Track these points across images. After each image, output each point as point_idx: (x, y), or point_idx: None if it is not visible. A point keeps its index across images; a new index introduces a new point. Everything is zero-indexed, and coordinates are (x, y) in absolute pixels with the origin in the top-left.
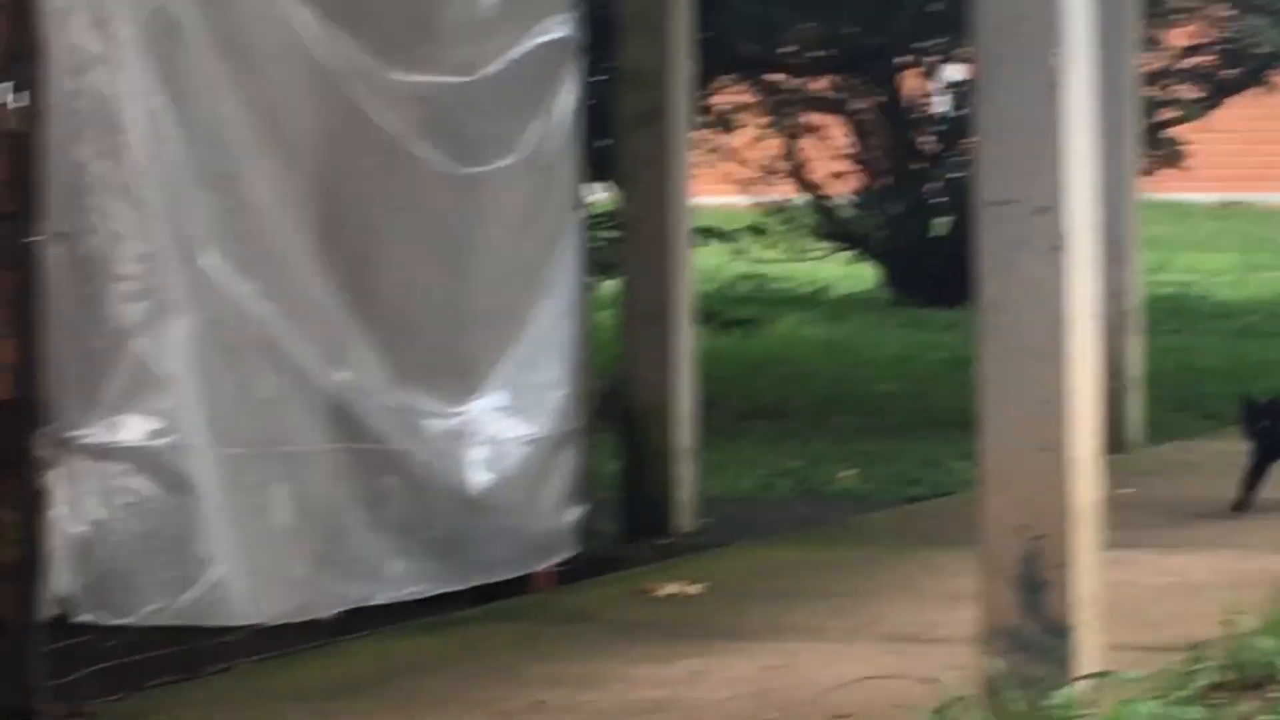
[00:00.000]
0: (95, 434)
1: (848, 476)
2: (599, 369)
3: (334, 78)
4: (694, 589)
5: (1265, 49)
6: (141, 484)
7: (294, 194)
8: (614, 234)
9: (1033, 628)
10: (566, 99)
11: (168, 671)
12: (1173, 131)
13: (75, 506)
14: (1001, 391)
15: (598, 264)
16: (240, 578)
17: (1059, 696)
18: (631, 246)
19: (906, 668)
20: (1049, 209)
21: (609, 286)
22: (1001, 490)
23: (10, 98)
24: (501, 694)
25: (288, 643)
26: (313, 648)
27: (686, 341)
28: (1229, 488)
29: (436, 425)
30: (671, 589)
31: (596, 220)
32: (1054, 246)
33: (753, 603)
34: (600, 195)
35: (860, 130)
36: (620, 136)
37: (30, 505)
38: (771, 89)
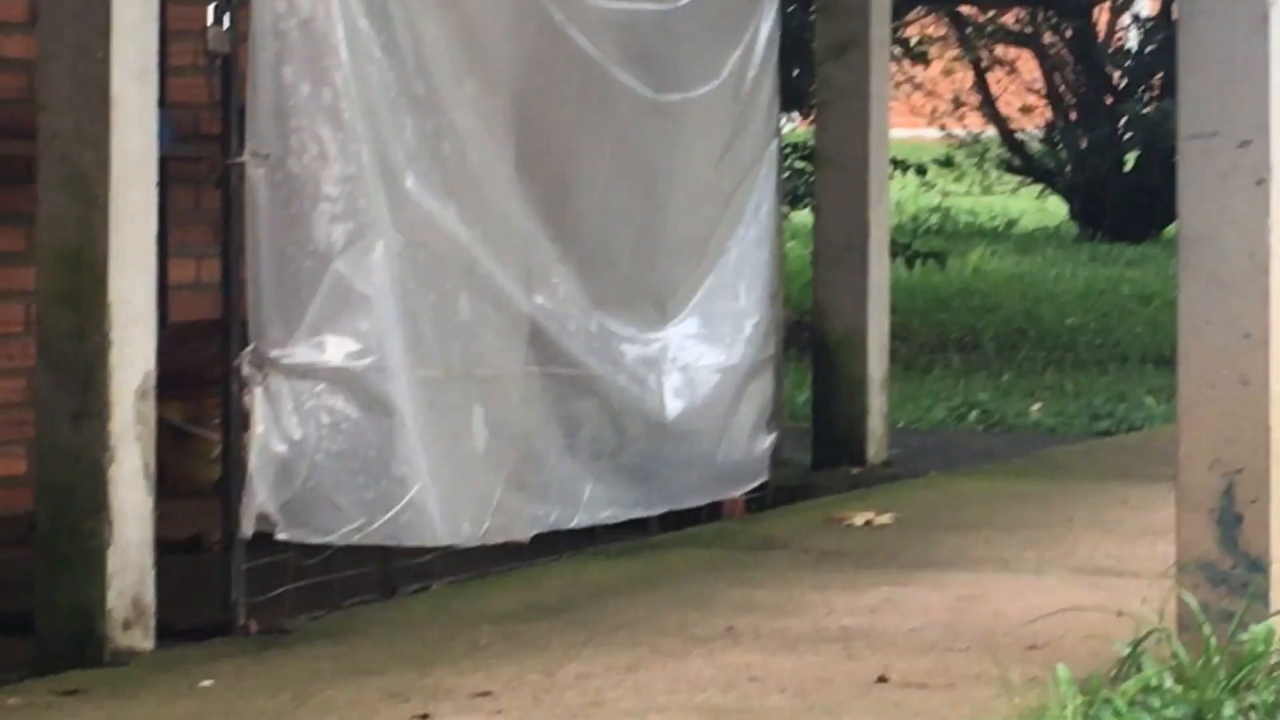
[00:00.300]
0: (297, 354)
1: (1038, 410)
2: (788, 299)
3: (536, 2)
4: (884, 519)
5: None
6: (341, 404)
7: (494, 118)
8: (803, 165)
9: (1229, 562)
10: (765, 28)
11: (364, 591)
12: None
13: (276, 426)
14: (1201, 325)
15: (787, 194)
16: (437, 499)
17: (1254, 632)
18: (826, 177)
19: (1099, 600)
20: (1253, 142)
21: (797, 217)
22: (1199, 424)
23: (217, 20)
24: (693, 619)
25: (482, 565)
26: (506, 571)
27: (881, 272)
28: None
29: (632, 351)
30: (862, 518)
31: (786, 151)
32: (1259, 180)
33: (943, 533)
34: (790, 126)
35: (1050, 64)
36: (817, 66)
37: (232, 424)
38: (963, 21)
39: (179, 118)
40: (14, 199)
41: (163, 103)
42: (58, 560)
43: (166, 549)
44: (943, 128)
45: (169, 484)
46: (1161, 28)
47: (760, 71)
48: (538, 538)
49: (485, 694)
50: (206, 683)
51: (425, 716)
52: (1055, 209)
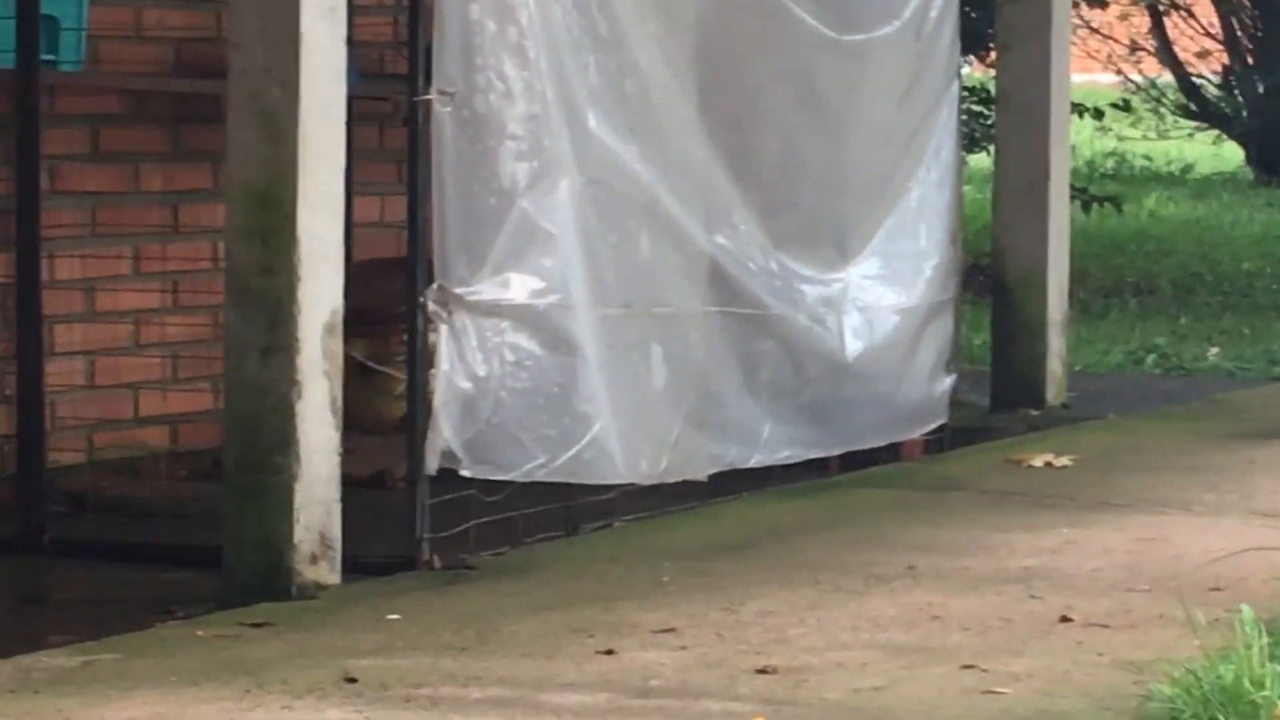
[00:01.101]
0: (481, 291)
1: (1215, 354)
2: (965, 242)
3: None
4: (1063, 460)
5: None
6: (525, 341)
7: (677, 57)
8: (980, 109)
9: None
10: None
11: (546, 528)
12: None
13: (460, 363)
14: None
15: (963, 138)
16: (618, 437)
17: None
18: (1007, 119)
19: None
20: None
21: (973, 161)
22: None
23: None
24: (874, 558)
25: (661, 503)
26: (685, 509)
27: (1061, 214)
28: None
29: (812, 291)
30: (1041, 460)
31: (962, 94)
32: None
33: (1122, 475)
34: (965, 70)
35: (1227, 8)
36: (997, 9)
37: (417, 361)
38: None
39: (364, 56)
40: (201, 137)
41: (348, 41)
42: (245, 494)
43: (350, 485)
44: (1119, 72)
45: (352, 420)
46: None
47: (941, 13)
48: (716, 476)
49: (669, 630)
50: (392, 616)
51: (610, 652)
52: (1231, 154)
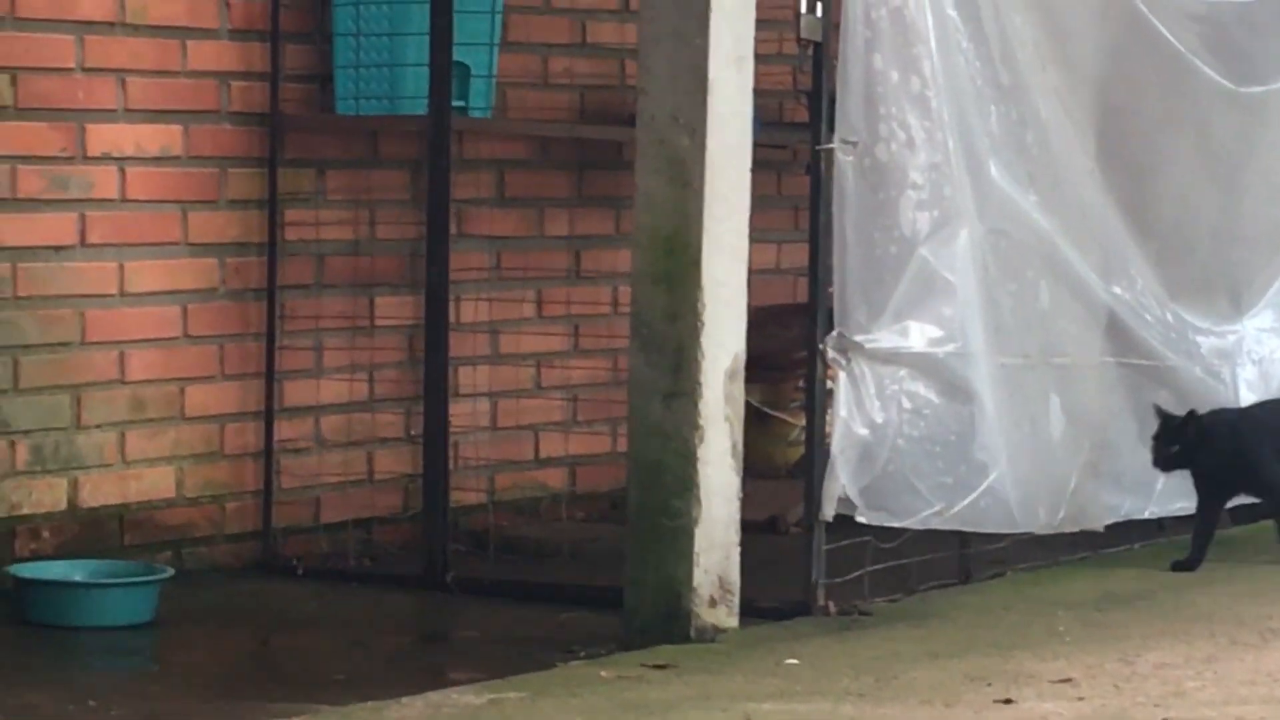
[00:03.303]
0: (880, 339)
1: None
2: None
3: None
4: None
5: None
6: (922, 389)
7: (1075, 107)
8: None
9: None
10: None
11: (940, 575)
12: None
13: (858, 410)
14: None
15: None
16: (1014, 485)
17: None
18: None
19: None
20: None
21: None
22: None
23: (810, 8)
24: (1270, 611)
25: (1053, 553)
26: (1077, 559)
27: None
28: None
29: (1207, 343)
30: None
31: None
32: None
33: None
34: None
35: None
36: None
37: (815, 407)
38: None
39: (764, 104)
40: (603, 183)
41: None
42: (646, 537)
43: (744, 529)
44: None
45: (746, 465)
46: None
47: None
48: (1108, 527)
49: (1066, 680)
50: (791, 661)
51: (1008, 701)
52: None
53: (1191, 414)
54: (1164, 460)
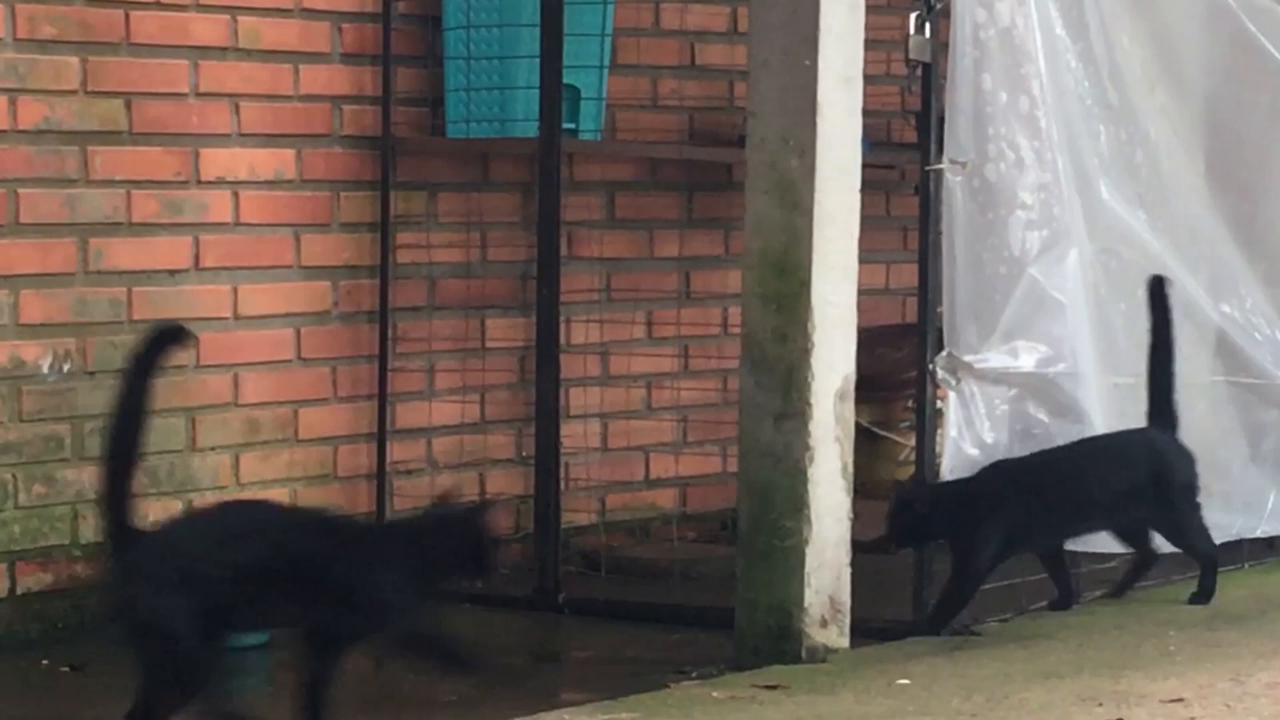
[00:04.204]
0: (990, 359)
1: None
2: None
3: (1227, 11)
4: None
5: None
6: (1032, 409)
7: (1184, 127)
8: None
9: None
10: None
11: (1049, 595)
12: None
13: (968, 430)
14: None
15: None
16: None
17: None
18: None
19: None
20: None
21: None
22: None
23: (918, 29)
24: None
25: (1164, 571)
26: (1189, 578)
27: None
28: None
29: None
30: None
31: None
32: None
33: None
34: None
35: None
36: None
37: (926, 427)
38: None
39: (872, 125)
40: (712, 204)
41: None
42: (757, 557)
43: (855, 549)
44: None
45: (857, 485)
46: None
47: None
48: (1219, 546)
49: (1177, 700)
50: (902, 681)
51: None
52: None
53: None
54: None
